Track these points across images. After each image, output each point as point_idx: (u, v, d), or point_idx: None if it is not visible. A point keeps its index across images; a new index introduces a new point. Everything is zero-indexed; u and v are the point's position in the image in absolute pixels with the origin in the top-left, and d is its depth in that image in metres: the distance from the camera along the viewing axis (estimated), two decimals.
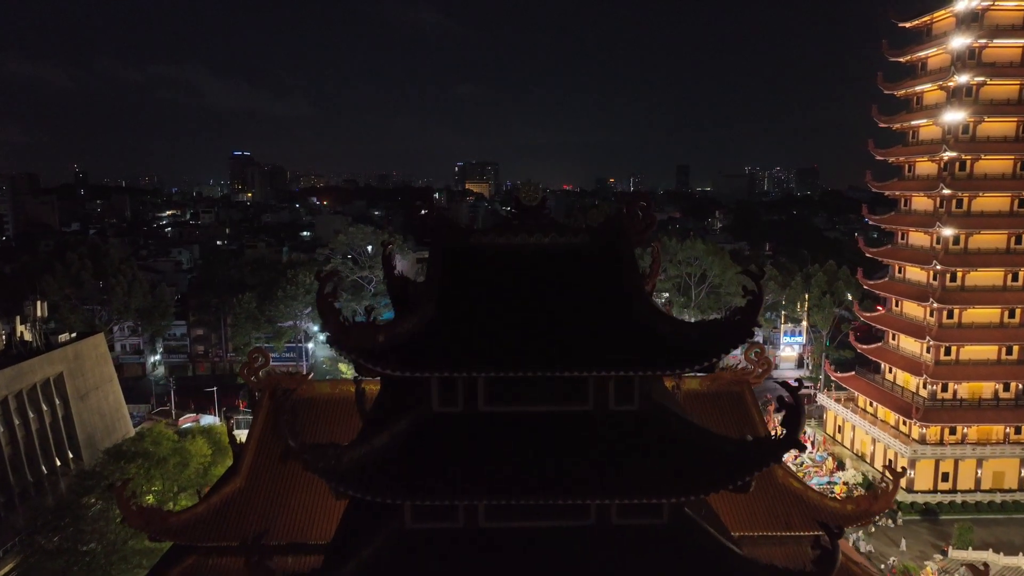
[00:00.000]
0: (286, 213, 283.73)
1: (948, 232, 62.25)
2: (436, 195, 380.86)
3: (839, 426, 74.11)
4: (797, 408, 14.10)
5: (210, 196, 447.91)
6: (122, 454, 45.48)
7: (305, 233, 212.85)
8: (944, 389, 63.28)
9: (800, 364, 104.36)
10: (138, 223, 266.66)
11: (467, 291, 16.53)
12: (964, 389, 63.09)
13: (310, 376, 35.22)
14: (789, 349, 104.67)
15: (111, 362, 59.83)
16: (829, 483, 63.06)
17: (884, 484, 30.49)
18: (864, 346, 72.24)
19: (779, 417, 16.80)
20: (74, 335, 57.11)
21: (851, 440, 71.51)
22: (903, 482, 62.36)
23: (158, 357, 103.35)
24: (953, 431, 62.70)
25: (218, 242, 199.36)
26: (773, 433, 14.78)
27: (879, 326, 70.97)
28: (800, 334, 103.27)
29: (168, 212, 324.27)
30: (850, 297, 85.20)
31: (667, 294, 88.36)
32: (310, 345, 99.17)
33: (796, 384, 15.56)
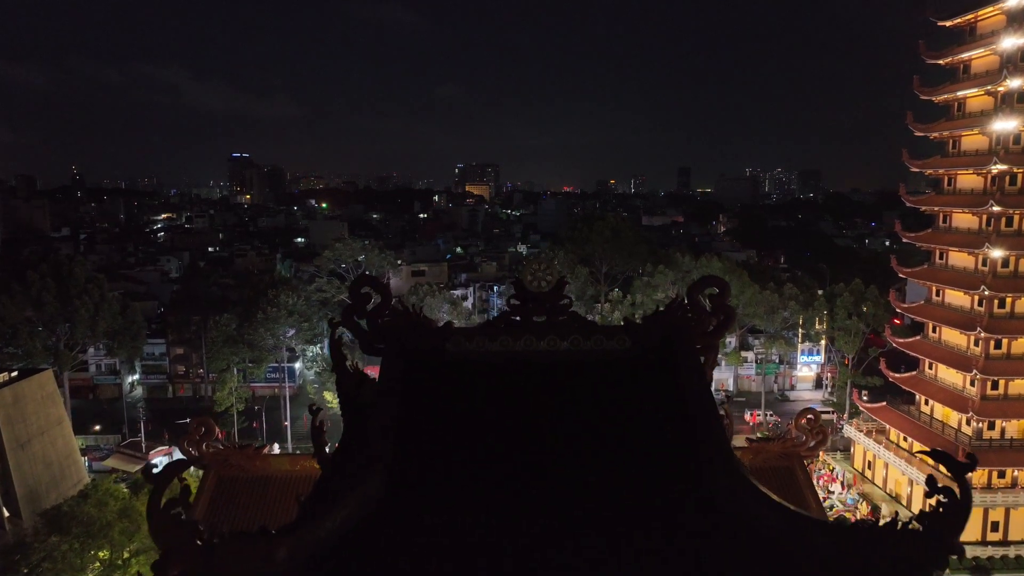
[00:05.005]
0: (282, 217, 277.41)
1: (997, 253, 56.03)
2: (435, 198, 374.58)
3: (869, 462, 67.85)
4: (964, 502, 7.66)
5: (209, 198, 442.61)
6: (60, 517, 39.33)
7: (300, 239, 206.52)
8: (991, 427, 57.11)
9: (818, 384, 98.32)
10: (131, 228, 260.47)
11: (438, 439, 10.43)
12: (1013, 427, 56.90)
13: (266, 449, 29.17)
14: (806, 369, 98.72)
15: (61, 402, 53.62)
16: None
17: None
18: (897, 375, 66.04)
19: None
20: (15, 373, 50.91)
21: (883, 478, 65.22)
22: None
23: (136, 377, 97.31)
24: (1002, 474, 56.52)
25: (210, 248, 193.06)
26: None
27: (914, 353, 64.74)
28: (818, 353, 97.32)
29: (164, 215, 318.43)
30: (865, 309, 78.55)
31: None
32: (297, 365, 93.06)
33: (967, 462, 8.61)
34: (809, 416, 28.85)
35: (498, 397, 11.08)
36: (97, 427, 78.55)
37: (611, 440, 10.66)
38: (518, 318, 11.63)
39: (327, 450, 17.23)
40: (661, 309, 11.79)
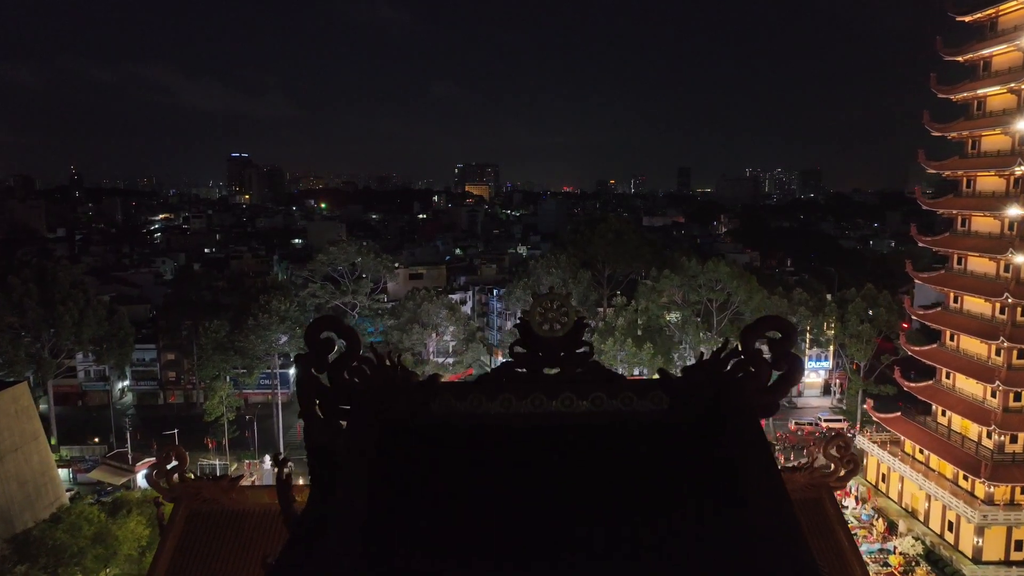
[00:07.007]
0: (280, 218, 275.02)
1: (1021, 259, 53.49)
2: (435, 198, 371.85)
3: (883, 475, 65.28)
4: None
5: (207, 198, 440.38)
6: (29, 543, 36.83)
7: (297, 240, 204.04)
8: (1013, 440, 54.61)
9: (826, 391, 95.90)
10: (128, 228, 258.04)
11: (418, 531, 7.88)
12: None
13: (242, 479, 26.64)
14: (814, 375, 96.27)
15: (36, 417, 51.03)
16: (881, 551, 54.34)
17: None
18: (912, 384, 63.52)
19: None
20: None
21: (899, 493, 62.64)
22: (968, 551, 53.74)
23: (126, 383, 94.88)
24: None
25: (206, 249, 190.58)
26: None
27: (930, 362, 62.20)
28: (826, 358, 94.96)
29: (162, 216, 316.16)
30: (871, 313, 75.93)
31: (676, 315, 79.61)
32: (290, 371, 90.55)
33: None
34: (840, 444, 26.28)
35: (497, 474, 8.54)
36: (83, 437, 76.14)
37: (645, 534, 8.14)
38: (524, 370, 9.10)
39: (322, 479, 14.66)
40: (706, 357, 9.27)
